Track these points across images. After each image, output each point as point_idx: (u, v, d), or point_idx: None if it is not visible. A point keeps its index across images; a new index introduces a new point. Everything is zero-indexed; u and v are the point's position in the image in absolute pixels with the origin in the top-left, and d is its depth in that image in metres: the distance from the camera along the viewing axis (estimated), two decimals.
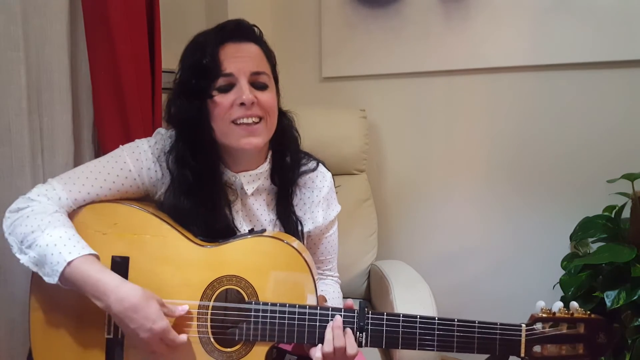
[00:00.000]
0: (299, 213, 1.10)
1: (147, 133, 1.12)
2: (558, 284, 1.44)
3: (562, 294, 1.42)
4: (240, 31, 1.00)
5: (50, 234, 0.88)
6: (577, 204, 1.61)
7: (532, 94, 1.69)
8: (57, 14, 1.22)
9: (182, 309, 0.92)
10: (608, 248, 1.39)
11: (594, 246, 1.52)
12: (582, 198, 1.63)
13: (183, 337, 0.90)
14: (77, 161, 1.30)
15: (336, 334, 0.89)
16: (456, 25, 1.76)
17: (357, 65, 1.95)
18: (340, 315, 0.91)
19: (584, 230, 1.49)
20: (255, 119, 0.98)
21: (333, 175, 1.15)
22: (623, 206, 1.47)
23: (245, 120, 0.97)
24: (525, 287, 1.72)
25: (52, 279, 0.87)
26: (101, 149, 1.35)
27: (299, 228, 1.09)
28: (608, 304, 1.30)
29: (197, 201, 1.00)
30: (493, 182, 1.79)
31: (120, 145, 1.04)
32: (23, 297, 0.96)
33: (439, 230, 1.90)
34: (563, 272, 1.47)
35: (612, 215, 1.48)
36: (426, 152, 1.89)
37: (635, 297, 1.28)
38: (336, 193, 1.17)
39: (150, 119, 1.43)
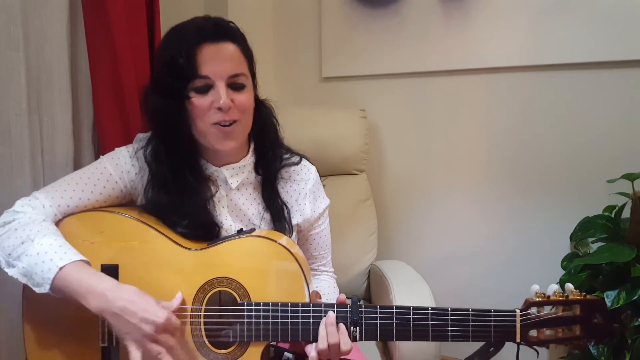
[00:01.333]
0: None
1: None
2: (558, 284, 1.43)
3: None
4: (218, 31, 0.98)
5: (40, 243, 0.87)
6: (577, 204, 1.61)
7: (532, 94, 1.69)
8: (57, 14, 1.22)
9: (177, 297, 0.91)
10: (608, 248, 1.39)
11: (594, 246, 1.52)
12: (582, 198, 1.62)
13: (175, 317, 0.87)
14: (77, 161, 1.30)
15: (329, 331, 0.89)
16: (456, 25, 1.75)
17: (357, 65, 1.95)
18: (333, 311, 0.91)
19: (584, 230, 1.49)
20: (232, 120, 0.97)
21: (333, 175, 1.15)
22: (623, 206, 1.47)
23: (222, 122, 0.96)
24: (525, 287, 1.71)
25: (42, 287, 0.85)
26: (101, 149, 1.35)
27: (286, 213, 1.08)
28: (608, 304, 1.30)
29: (178, 196, 1.00)
30: (493, 182, 1.79)
31: (101, 156, 1.05)
32: None
33: (439, 230, 1.90)
34: (563, 272, 1.47)
35: (612, 215, 1.48)
36: (426, 152, 1.89)
37: (635, 297, 1.28)
38: (324, 186, 1.17)
39: None
